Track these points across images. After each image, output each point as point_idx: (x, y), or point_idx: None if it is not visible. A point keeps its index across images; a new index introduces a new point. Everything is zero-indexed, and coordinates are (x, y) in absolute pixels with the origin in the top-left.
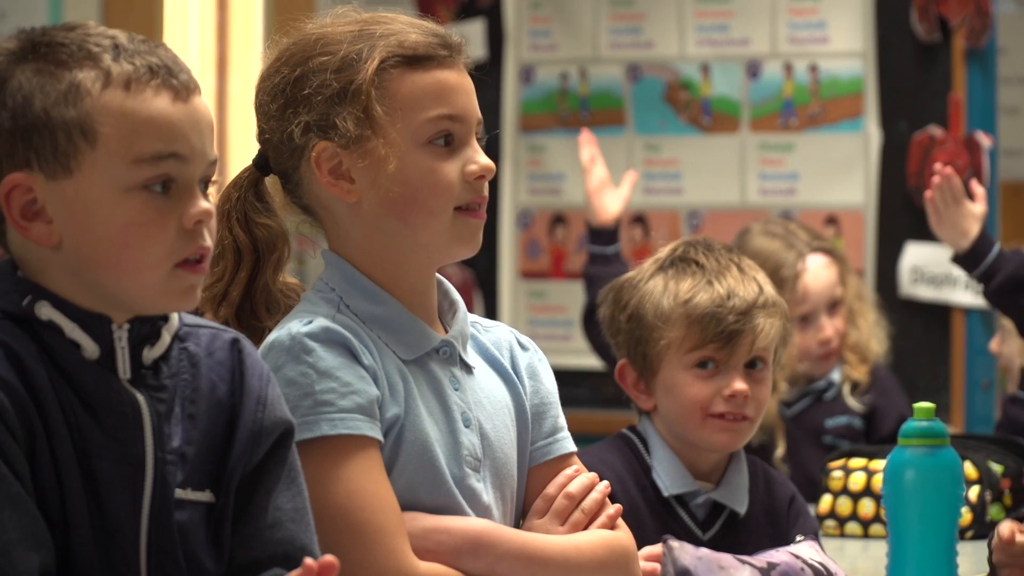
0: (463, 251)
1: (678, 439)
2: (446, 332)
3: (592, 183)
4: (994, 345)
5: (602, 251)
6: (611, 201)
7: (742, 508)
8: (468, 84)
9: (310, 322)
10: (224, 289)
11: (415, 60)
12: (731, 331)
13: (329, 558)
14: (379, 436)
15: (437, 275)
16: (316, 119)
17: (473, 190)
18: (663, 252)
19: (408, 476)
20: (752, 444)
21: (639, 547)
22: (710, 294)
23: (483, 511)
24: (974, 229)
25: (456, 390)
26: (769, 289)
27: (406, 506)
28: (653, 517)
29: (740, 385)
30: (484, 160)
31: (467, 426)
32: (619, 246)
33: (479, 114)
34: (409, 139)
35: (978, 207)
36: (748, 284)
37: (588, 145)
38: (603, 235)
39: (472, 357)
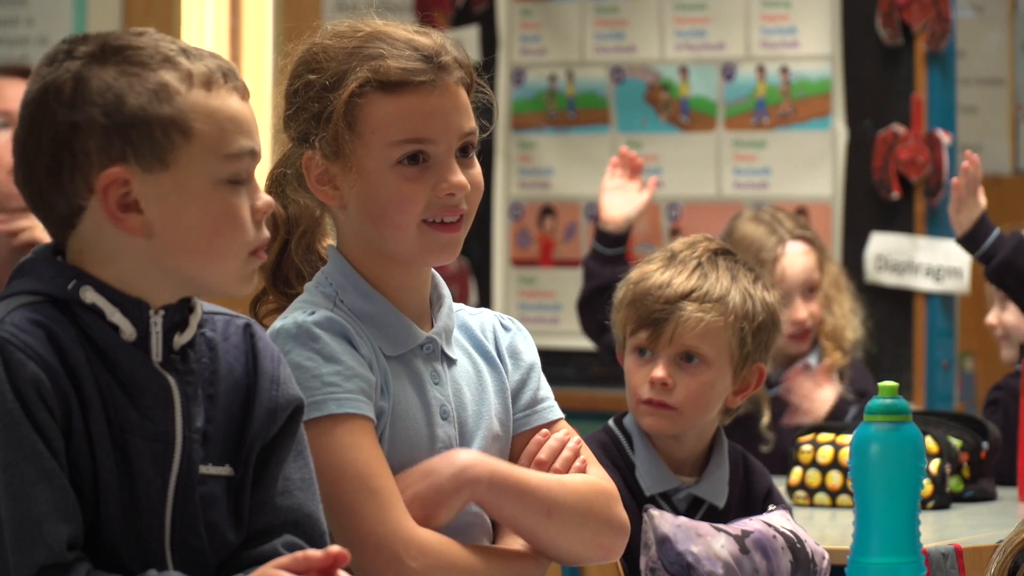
0: (434, 260)
1: None
2: (433, 326)
3: (606, 183)
4: (992, 318)
5: (601, 250)
6: (618, 202)
7: (721, 502)
8: (450, 104)
9: (313, 312)
10: None
11: (389, 86)
12: (655, 319)
13: (345, 551)
14: (373, 417)
15: (432, 270)
16: (302, 132)
17: (443, 206)
18: (675, 244)
19: (393, 462)
20: (739, 413)
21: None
22: (649, 282)
23: None
24: (975, 217)
25: (436, 384)
26: (732, 293)
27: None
28: (636, 514)
29: (658, 372)
30: (456, 179)
31: (444, 419)
32: (622, 250)
33: (468, 127)
34: (378, 160)
35: (983, 200)
36: (696, 279)
37: (627, 166)
38: (604, 236)
39: (457, 347)
